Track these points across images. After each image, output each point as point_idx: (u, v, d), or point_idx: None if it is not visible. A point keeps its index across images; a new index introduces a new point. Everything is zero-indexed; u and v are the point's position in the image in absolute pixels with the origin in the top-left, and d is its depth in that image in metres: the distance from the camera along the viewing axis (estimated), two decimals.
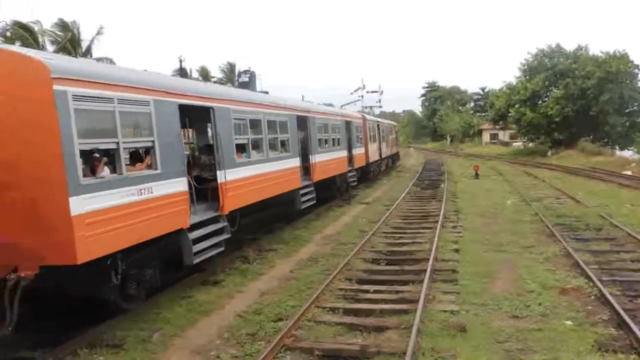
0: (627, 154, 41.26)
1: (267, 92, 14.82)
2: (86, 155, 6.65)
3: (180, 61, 16.09)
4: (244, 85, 14.41)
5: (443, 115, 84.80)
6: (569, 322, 6.92)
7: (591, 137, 44.35)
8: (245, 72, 15.01)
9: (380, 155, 31.05)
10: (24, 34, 26.10)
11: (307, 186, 15.33)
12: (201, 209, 9.54)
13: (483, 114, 77.52)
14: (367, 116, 30.25)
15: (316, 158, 16.33)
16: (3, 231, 5.61)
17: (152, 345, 6.82)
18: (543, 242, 11.75)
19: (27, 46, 24.57)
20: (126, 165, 7.23)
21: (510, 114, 48.89)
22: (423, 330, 6.70)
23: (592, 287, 8.23)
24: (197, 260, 8.63)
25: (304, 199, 14.99)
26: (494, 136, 73.26)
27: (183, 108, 8.65)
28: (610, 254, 10.42)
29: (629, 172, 26.57)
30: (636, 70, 41.37)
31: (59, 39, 28.07)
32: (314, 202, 15.94)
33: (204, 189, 10.01)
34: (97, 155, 6.96)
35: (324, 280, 9.02)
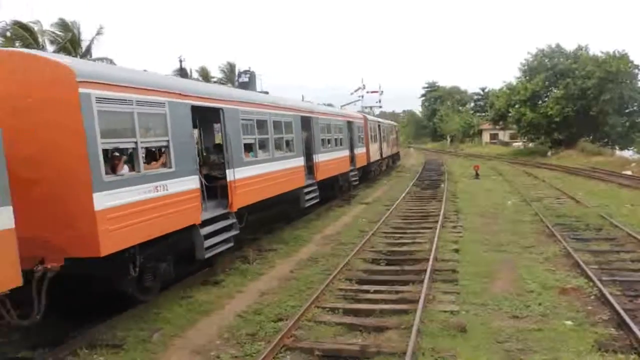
0: (627, 154, 41.27)
1: (267, 92, 14.82)
2: (107, 154, 7.01)
3: (180, 61, 16.11)
4: (244, 86, 14.40)
5: (443, 116, 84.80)
6: (569, 322, 6.92)
7: (591, 137, 44.33)
8: (245, 72, 14.99)
9: (381, 155, 31.34)
10: (24, 34, 26.11)
11: (310, 185, 15.71)
12: (211, 206, 9.92)
13: (483, 114, 77.50)
14: (368, 116, 30.42)
15: (319, 158, 16.70)
16: (30, 225, 5.80)
17: (152, 345, 6.81)
18: (543, 242, 11.75)
19: (26, 46, 24.60)
20: (143, 163, 7.58)
21: (510, 114, 48.89)
22: (423, 331, 6.70)
23: (592, 287, 8.22)
24: (208, 254, 9.02)
25: (307, 197, 15.34)
26: (494, 136, 73.24)
27: (193, 109, 9.02)
28: (610, 254, 10.41)
29: (629, 172, 26.57)
30: (636, 71, 41.38)
31: (59, 39, 28.07)
32: (318, 200, 16.34)
33: (213, 187, 10.36)
34: (117, 154, 7.31)
35: (324, 280, 9.01)
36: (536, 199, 18.56)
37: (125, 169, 7.21)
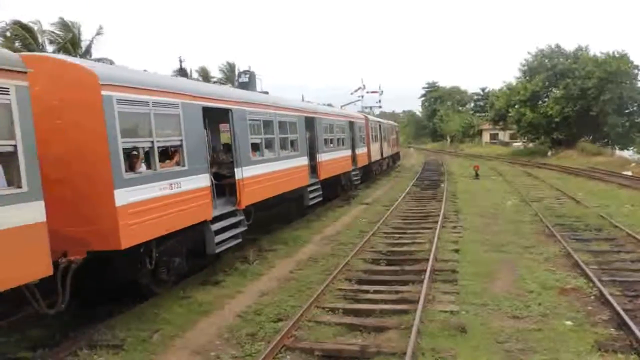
0: (627, 154, 41.29)
1: (267, 92, 14.81)
2: (126, 152, 7.31)
3: (180, 61, 16.07)
4: (243, 86, 14.40)
5: (443, 116, 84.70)
6: (569, 323, 6.92)
7: (591, 137, 44.32)
8: (245, 72, 14.97)
9: (382, 155, 31.61)
10: (24, 33, 26.10)
11: (314, 184, 16.15)
12: (220, 203, 10.30)
13: (483, 114, 77.42)
14: (369, 117, 30.63)
15: (322, 157, 17.14)
16: (54, 220, 5.97)
17: (152, 345, 6.81)
18: (543, 242, 11.75)
19: (26, 46, 24.60)
20: (158, 162, 7.95)
21: (510, 114, 48.89)
22: (423, 331, 6.70)
23: (592, 287, 8.23)
24: (219, 249, 9.47)
25: (311, 195, 15.79)
26: (494, 136, 73.19)
27: (204, 110, 9.39)
28: (610, 254, 10.42)
29: (629, 173, 26.56)
30: (636, 71, 41.35)
31: (59, 39, 28.06)
32: (321, 199, 16.79)
33: (222, 185, 10.72)
34: (136, 152, 7.63)
35: (324, 280, 9.01)
36: (536, 199, 18.57)
37: (142, 167, 7.62)
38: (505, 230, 13.31)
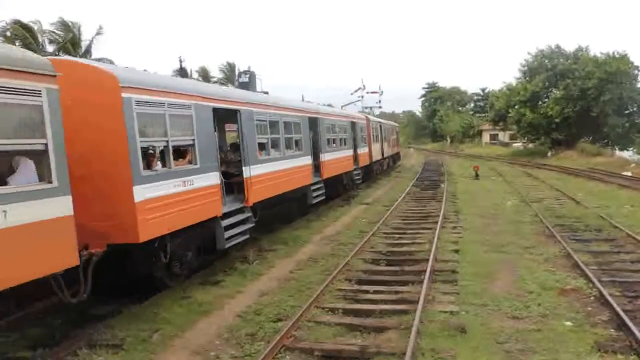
0: (627, 154, 41.28)
1: (267, 92, 14.81)
2: (144, 151, 7.68)
3: (181, 61, 16.07)
4: (244, 86, 14.40)
5: (443, 116, 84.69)
6: (568, 323, 6.92)
7: (591, 137, 44.31)
8: (245, 72, 14.96)
9: (383, 155, 31.89)
10: (25, 33, 26.12)
11: (317, 182, 16.57)
12: (229, 200, 10.64)
13: (483, 114, 77.43)
14: (370, 117, 30.84)
15: (325, 157, 17.57)
16: (77, 214, 6.19)
17: (151, 345, 6.81)
18: (543, 242, 11.75)
19: (26, 45, 24.61)
20: (173, 160, 8.32)
21: (510, 115, 48.87)
22: (423, 331, 6.70)
23: (591, 288, 8.22)
24: (228, 244, 9.87)
25: (314, 194, 16.19)
26: (493, 137, 73.20)
27: (214, 111, 9.72)
28: (610, 254, 10.42)
29: (628, 173, 26.55)
30: (636, 71, 41.33)
31: (59, 39, 28.07)
32: (324, 197, 17.14)
33: (230, 183, 11.02)
34: (152, 151, 8.01)
35: (324, 280, 9.01)
36: (536, 200, 18.57)
37: (158, 165, 8.02)
38: (505, 230, 13.31)
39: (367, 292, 8.51)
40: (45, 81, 5.79)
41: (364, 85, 58.89)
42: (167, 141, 8.12)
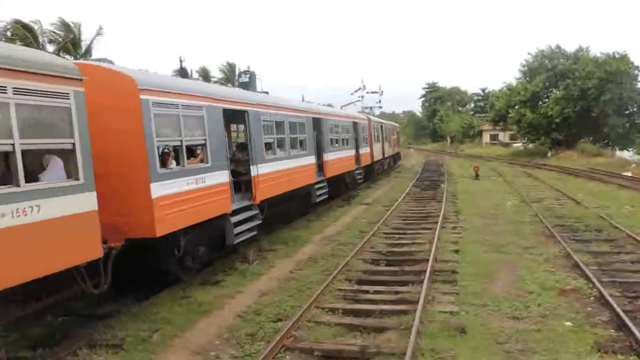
0: (627, 154, 41.28)
1: (267, 92, 14.82)
2: (160, 150, 8.08)
3: (181, 61, 16.11)
4: (244, 86, 14.42)
5: (443, 116, 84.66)
6: (568, 323, 6.92)
7: (591, 138, 44.29)
8: (245, 72, 14.98)
9: (383, 155, 32.22)
10: (25, 33, 26.13)
11: (320, 181, 16.94)
12: (237, 198, 11.01)
13: (483, 114, 77.41)
14: (371, 118, 31.11)
15: (328, 156, 17.98)
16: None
17: (151, 345, 6.81)
18: (543, 243, 11.75)
19: (27, 45, 24.60)
20: (186, 159, 8.67)
21: (510, 115, 48.86)
22: (423, 331, 6.70)
23: (591, 288, 8.22)
24: (237, 240, 10.26)
25: (318, 193, 16.58)
26: (494, 137, 73.20)
27: (223, 112, 10.06)
28: (610, 255, 10.42)
29: (628, 174, 26.56)
30: (636, 71, 41.33)
31: (59, 39, 28.07)
32: (327, 196, 17.51)
33: (238, 182, 11.36)
34: (167, 150, 8.42)
35: (324, 280, 9.01)
36: (536, 200, 18.57)
37: (173, 164, 8.38)
38: (505, 230, 13.32)
39: (367, 292, 8.51)
40: (72, 84, 6.16)
41: (364, 85, 58.97)
42: (181, 141, 8.48)
